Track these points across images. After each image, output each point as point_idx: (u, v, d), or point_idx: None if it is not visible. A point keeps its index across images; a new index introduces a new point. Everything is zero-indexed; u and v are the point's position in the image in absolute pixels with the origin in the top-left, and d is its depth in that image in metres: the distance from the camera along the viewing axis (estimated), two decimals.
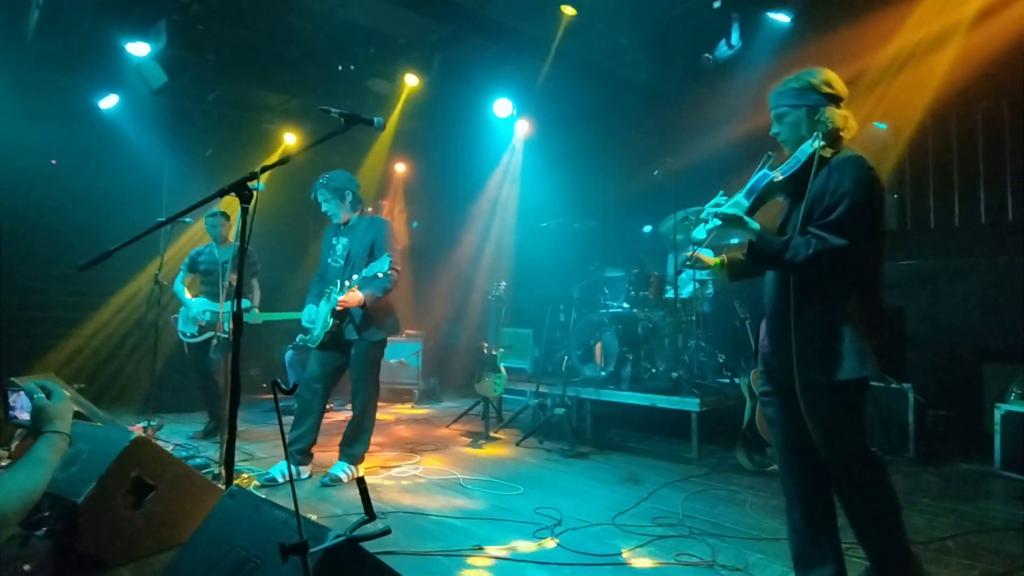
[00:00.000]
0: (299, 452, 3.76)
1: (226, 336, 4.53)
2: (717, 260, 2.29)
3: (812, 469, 2.17)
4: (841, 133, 2.08)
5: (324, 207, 3.84)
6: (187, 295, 5.00)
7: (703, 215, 2.11)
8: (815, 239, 1.94)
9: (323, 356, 3.83)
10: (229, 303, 4.64)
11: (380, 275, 3.54)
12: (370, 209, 4.01)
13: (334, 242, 3.92)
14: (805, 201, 2.01)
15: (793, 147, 2.11)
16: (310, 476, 3.79)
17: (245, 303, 4.77)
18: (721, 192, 2.14)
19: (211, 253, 4.98)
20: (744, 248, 2.13)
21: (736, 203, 2.06)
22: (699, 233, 2.14)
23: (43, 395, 1.58)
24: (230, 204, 4.58)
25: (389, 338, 3.92)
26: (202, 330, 4.85)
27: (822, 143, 2.03)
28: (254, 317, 4.91)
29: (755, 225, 2.03)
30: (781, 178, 2.06)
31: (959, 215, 5.15)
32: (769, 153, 2.17)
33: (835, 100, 2.08)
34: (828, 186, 1.98)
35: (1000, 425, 3.95)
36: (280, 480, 3.65)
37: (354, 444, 3.83)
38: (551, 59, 5.79)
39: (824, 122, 2.05)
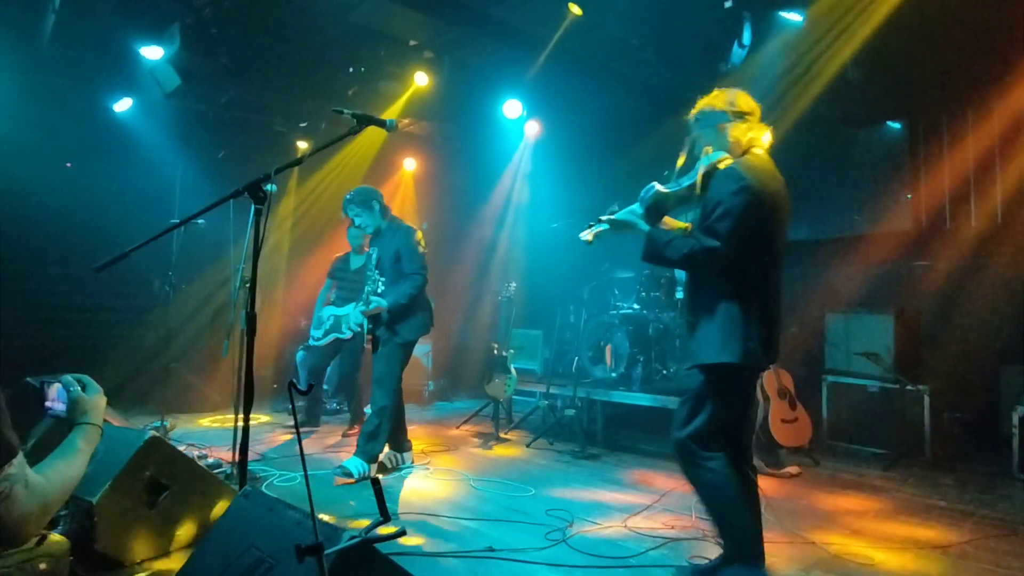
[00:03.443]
0: (393, 447, 4.08)
1: (346, 338, 4.96)
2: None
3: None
4: (749, 145, 2.34)
5: (357, 220, 4.10)
6: (326, 302, 5.35)
7: (594, 220, 2.47)
8: (693, 239, 2.24)
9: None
10: (351, 305, 4.91)
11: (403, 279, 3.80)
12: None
13: (370, 251, 4.18)
14: (700, 208, 2.30)
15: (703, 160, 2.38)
16: (338, 467, 3.85)
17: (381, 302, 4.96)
18: (616, 203, 2.49)
19: (346, 260, 5.30)
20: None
21: (631, 211, 2.41)
22: (584, 235, 2.49)
23: (79, 388, 1.66)
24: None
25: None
26: (327, 334, 5.07)
27: (720, 155, 2.31)
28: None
29: (644, 227, 2.36)
30: (675, 189, 2.36)
31: (975, 215, 5.08)
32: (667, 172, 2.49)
33: (740, 116, 2.35)
34: (710, 195, 2.26)
35: (1017, 427, 3.90)
36: (388, 467, 4.00)
37: (371, 442, 3.87)
38: (561, 60, 5.78)
39: (727, 137, 2.34)
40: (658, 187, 2.38)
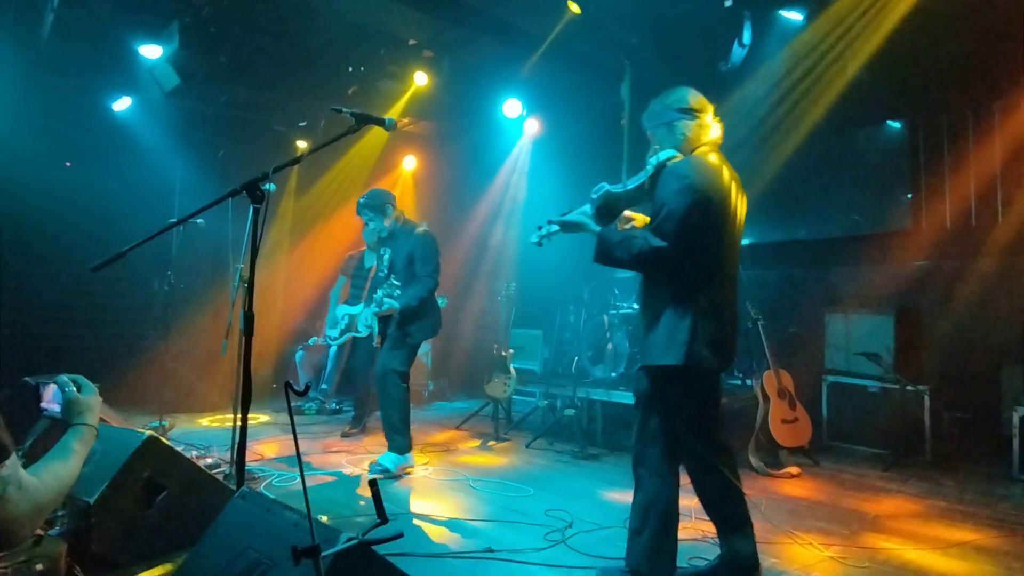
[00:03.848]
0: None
1: (363, 336, 4.92)
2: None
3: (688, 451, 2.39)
4: (699, 142, 2.34)
5: (371, 225, 4.15)
6: (339, 300, 5.37)
7: (542, 223, 2.47)
8: (643, 239, 2.19)
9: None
10: (362, 305, 4.93)
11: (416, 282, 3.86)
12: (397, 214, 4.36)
13: (381, 252, 4.25)
14: (652, 207, 2.27)
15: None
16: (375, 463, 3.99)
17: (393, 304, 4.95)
18: (571, 207, 2.47)
19: (360, 259, 5.32)
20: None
21: (582, 211, 2.39)
22: (533, 237, 2.50)
23: (74, 388, 1.63)
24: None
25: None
26: (343, 333, 5.07)
27: (669, 154, 2.30)
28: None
29: (596, 227, 2.32)
30: (624, 189, 2.34)
31: (975, 215, 5.07)
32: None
33: (690, 114, 2.35)
34: (657, 194, 2.25)
35: (1018, 428, 3.89)
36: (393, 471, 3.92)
37: (395, 436, 3.95)
38: (561, 59, 5.77)
39: (677, 135, 2.34)
40: (608, 187, 2.37)
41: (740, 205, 2.37)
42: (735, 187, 2.35)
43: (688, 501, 2.46)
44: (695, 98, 2.39)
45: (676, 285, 2.23)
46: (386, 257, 4.18)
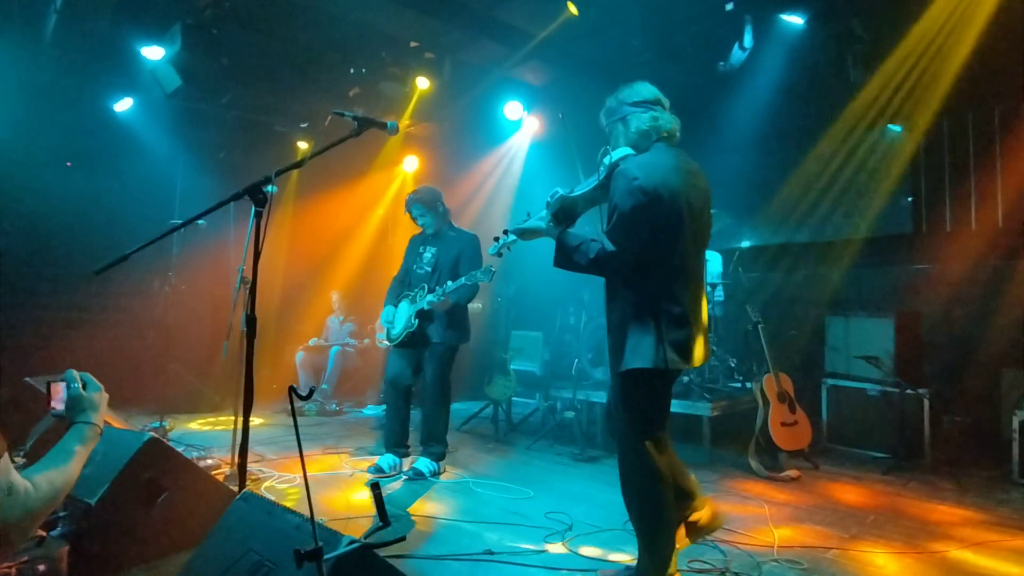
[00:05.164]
0: (396, 446, 4.03)
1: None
2: None
3: None
4: (654, 136, 2.30)
5: (420, 220, 4.12)
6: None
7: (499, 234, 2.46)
8: (599, 244, 2.17)
9: (405, 354, 4.06)
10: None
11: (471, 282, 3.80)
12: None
13: (421, 250, 4.17)
14: (608, 208, 2.23)
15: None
16: (410, 469, 3.96)
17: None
18: (528, 213, 2.46)
19: None
20: None
21: (540, 218, 2.37)
22: (492, 249, 2.49)
23: (79, 385, 1.62)
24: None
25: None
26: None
27: (623, 152, 2.26)
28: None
29: (554, 232, 2.30)
30: (579, 192, 2.31)
31: (975, 218, 5.08)
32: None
33: (643, 107, 2.32)
34: (610, 196, 2.19)
35: (1018, 432, 3.89)
36: (387, 471, 3.93)
37: (432, 444, 3.97)
38: (562, 62, 5.78)
39: (632, 130, 2.32)
40: (561, 192, 2.34)
41: (699, 198, 2.29)
42: (691, 180, 2.28)
43: None
44: (649, 91, 2.35)
45: (641, 286, 2.19)
46: (427, 255, 4.12)
